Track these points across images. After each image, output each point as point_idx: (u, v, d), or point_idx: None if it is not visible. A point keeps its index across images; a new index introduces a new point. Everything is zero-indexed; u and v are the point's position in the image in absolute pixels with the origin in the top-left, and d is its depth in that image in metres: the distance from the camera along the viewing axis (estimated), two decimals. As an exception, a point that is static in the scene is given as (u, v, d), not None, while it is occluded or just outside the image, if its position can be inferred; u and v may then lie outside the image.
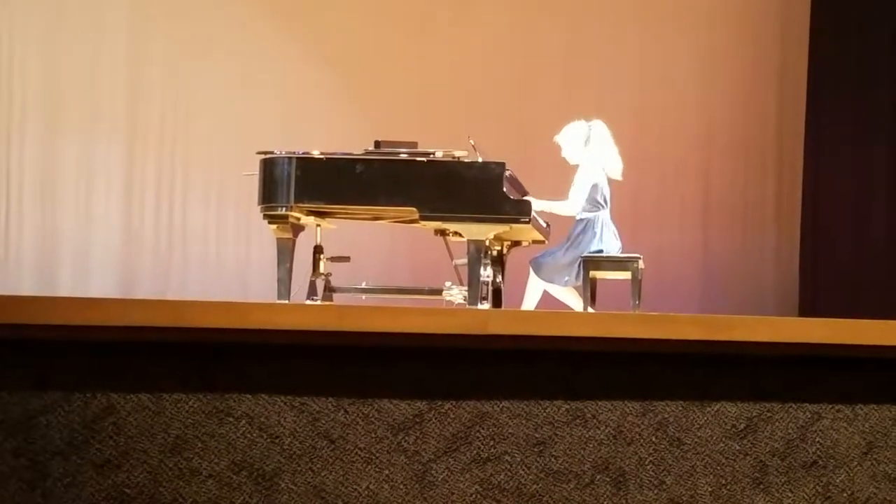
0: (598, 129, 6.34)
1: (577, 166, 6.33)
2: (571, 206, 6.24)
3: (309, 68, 8.55)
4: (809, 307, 8.08)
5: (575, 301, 6.27)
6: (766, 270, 8.75)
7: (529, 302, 6.31)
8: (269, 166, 5.70)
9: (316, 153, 5.75)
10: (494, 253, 6.23)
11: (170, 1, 8.45)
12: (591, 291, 6.16)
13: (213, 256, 8.47)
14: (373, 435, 1.86)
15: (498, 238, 6.10)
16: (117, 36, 8.41)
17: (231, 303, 1.83)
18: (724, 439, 1.96)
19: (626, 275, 6.16)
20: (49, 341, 1.76)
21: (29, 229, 8.26)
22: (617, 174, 6.36)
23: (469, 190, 5.59)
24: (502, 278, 6.38)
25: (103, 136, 8.39)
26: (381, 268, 7.83)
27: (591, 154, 6.29)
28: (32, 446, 1.75)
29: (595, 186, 6.25)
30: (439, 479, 1.87)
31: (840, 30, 8.26)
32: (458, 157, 5.74)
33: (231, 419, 1.82)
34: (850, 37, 8.22)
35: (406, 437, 1.87)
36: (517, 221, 5.63)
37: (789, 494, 1.97)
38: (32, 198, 8.28)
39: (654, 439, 1.94)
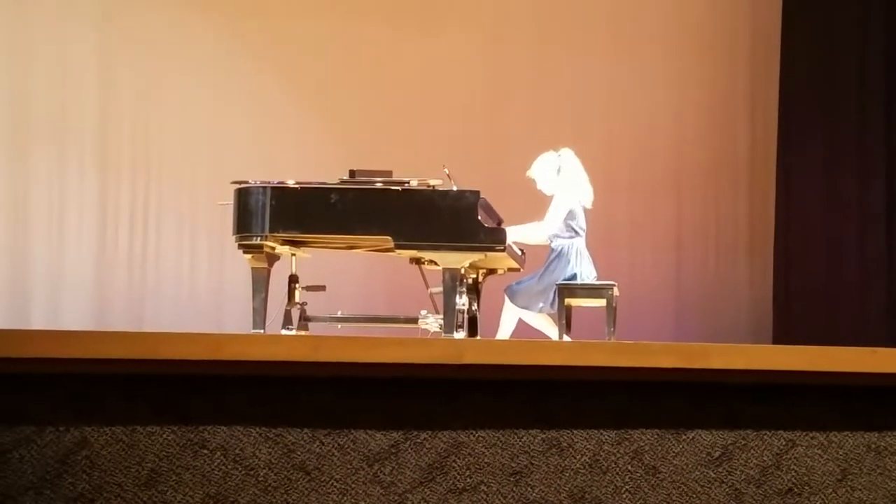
0: (568, 158, 6.36)
1: (551, 196, 6.34)
2: (545, 228, 6.22)
3: (282, 98, 8.56)
4: (783, 334, 8.11)
5: (550, 328, 6.27)
6: (740, 297, 8.79)
7: (505, 330, 6.31)
8: (244, 196, 5.69)
9: (291, 183, 5.74)
10: (470, 281, 6.23)
11: (140, 27, 8.43)
12: (566, 319, 6.16)
13: (187, 286, 8.43)
14: (348, 466, 1.86)
15: (473, 266, 6.10)
16: (87, 63, 8.38)
17: (204, 334, 1.82)
18: (699, 467, 1.97)
19: (601, 302, 6.17)
20: (21, 375, 1.75)
21: (0, 260, 8.20)
22: (588, 202, 6.38)
23: (444, 218, 5.60)
24: (478, 306, 6.38)
25: (75, 166, 8.35)
26: (357, 297, 7.82)
27: (565, 182, 6.31)
28: (5, 481, 1.74)
29: (570, 213, 6.26)
30: (415, 510, 1.87)
31: (811, 56, 8.34)
32: (433, 186, 5.75)
33: (206, 451, 1.81)
34: (822, 64, 8.30)
35: (382, 468, 1.86)
36: (492, 249, 5.64)
37: (765, 522, 1.98)
38: (4, 228, 8.22)
39: (629, 468, 1.94)
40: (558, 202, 6.27)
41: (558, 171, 6.33)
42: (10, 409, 1.75)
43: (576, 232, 6.28)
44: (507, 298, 6.32)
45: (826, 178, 8.22)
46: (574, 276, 6.19)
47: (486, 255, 5.76)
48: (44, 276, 8.23)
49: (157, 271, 8.42)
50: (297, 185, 5.72)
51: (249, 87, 8.50)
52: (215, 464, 1.81)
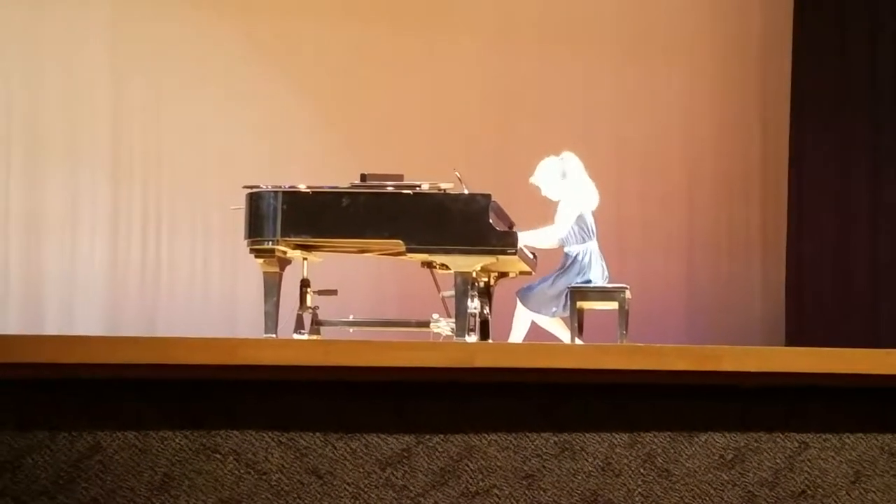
0: (571, 161, 6.33)
1: (558, 201, 6.32)
2: (556, 231, 6.21)
3: (293, 103, 8.57)
4: (796, 336, 8.09)
5: (562, 332, 6.26)
6: (753, 300, 8.77)
7: (517, 333, 6.30)
8: (256, 200, 5.70)
9: (302, 187, 5.75)
10: (481, 284, 6.22)
11: (152, 35, 8.45)
12: (578, 322, 6.15)
13: (199, 291, 8.44)
14: (361, 470, 1.86)
15: (485, 269, 6.10)
16: (100, 70, 8.40)
17: (217, 339, 1.83)
18: (712, 470, 1.96)
19: (613, 305, 6.16)
20: (34, 380, 1.75)
21: (14, 266, 8.23)
22: (593, 206, 6.35)
23: (455, 222, 5.60)
24: (490, 310, 6.37)
25: (87, 172, 8.38)
26: (369, 300, 7.82)
27: (571, 186, 6.28)
28: (18, 486, 1.74)
29: (580, 217, 6.25)
30: (428, 514, 1.87)
31: (823, 61, 8.33)
32: (444, 190, 5.75)
33: (218, 456, 1.81)
34: (833, 67, 8.29)
35: (394, 472, 1.86)
36: (504, 253, 5.64)
37: (778, 525, 1.97)
38: (17, 234, 8.25)
39: (642, 471, 1.94)
40: (565, 207, 6.26)
41: (563, 175, 6.30)
42: (23, 414, 1.75)
43: (587, 236, 6.27)
44: (519, 302, 6.31)
45: (838, 181, 8.21)
46: (588, 282, 6.18)
47: (497, 259, 5.75)
48: (57, 281, 8.26)
49: (170, 276, 8.44)
50: (308, 190, 5.73)
51: (260, 93, 8.51)
52: (228, 468, 1.81)
